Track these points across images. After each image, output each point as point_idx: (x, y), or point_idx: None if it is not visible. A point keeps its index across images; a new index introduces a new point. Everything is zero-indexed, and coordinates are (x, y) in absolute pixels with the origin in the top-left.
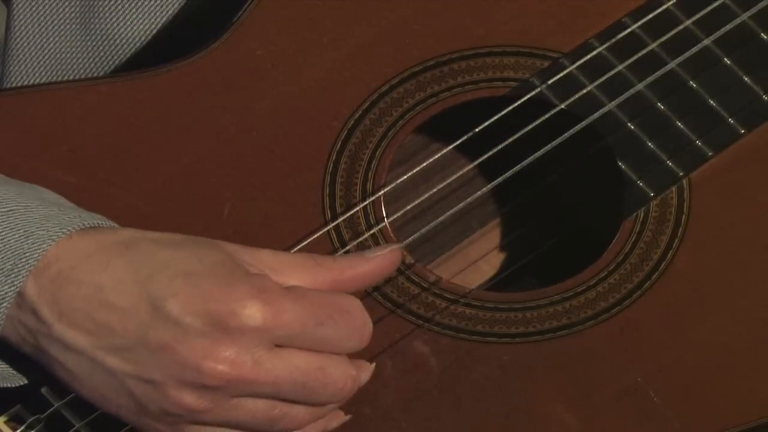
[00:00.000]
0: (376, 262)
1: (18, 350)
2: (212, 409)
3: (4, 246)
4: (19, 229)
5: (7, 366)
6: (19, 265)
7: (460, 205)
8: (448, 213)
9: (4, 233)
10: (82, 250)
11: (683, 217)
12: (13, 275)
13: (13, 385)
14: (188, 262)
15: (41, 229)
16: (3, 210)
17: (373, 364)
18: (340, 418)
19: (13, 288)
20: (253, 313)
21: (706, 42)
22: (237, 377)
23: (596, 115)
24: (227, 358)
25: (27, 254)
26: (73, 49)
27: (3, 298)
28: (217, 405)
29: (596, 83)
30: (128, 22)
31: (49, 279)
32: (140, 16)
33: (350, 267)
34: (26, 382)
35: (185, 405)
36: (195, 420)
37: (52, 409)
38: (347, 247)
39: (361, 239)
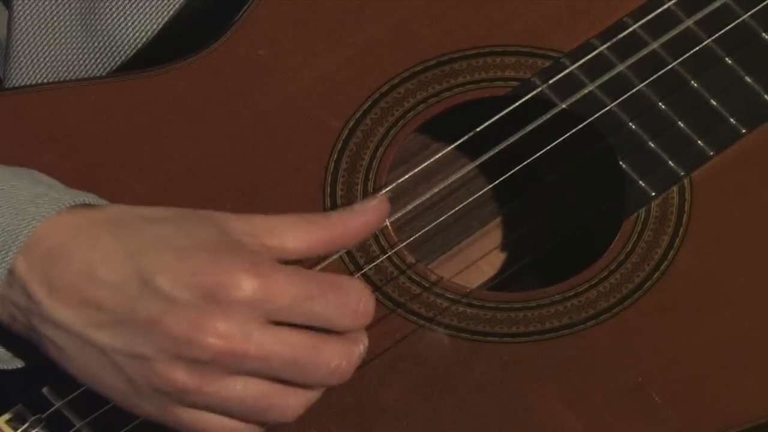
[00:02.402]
0: (367, 215)
1: (6, 329)
2: (201, 386)
3: None
4: (9, 207)
5: (4, 350)
6: (9, 242)
7: (461, 205)
8: (449, 213)
9: None
10: (72, 227)
11: (684, 216)
12: (3, 252)
13: (10, 368)
14: (178, 237)
15: (31, 206)
16: None
17: (366, 339)
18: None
19: (3, 265)
20: (241, 284)
21: (707, 42)
22: (227, 350)
23: (597, 114)
24: (217, 330)
25: (17, 231)
26: (74, 50)
27: None
28: (207, 382)
29: (597, 83)
30: (129, 23)
31: (38, 256)
32: (141, 16)
33: (342, 222)
34: (22, 365)
35: (175, 381)
36: (184, 400)
37: (53, 409)
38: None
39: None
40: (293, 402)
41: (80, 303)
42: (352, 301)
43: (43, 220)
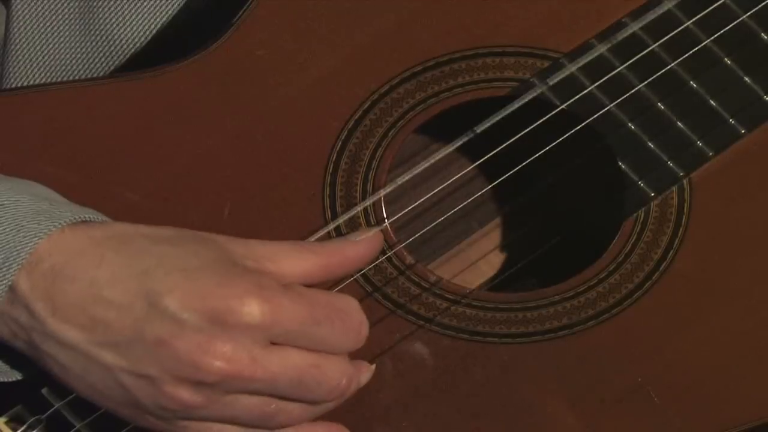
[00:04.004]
0: (362, 245)
1: (7, 345)
2: (207, 405)
3: None
4: (9, 223)
5: (2, 362)
6: (10, 259)
7: (461, 206)
8: (449, 213)
9: None
10: (75, 245)
11: (684, 217)
12: (4, 269)
13: (9, 380)
14: (185, 257)
15: (32, 222)
16: None
17: (373, 366)
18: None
19: (4, 282)
20: (251, 310)
21: (707, 42)
22: (233, 373)
23: (596, 115)
24: (224, 354)
25: (18, 248)
26: (73, 50)
27: None
28: (213, 401)
29: (596, 83)
30: (128, 23)
31: (41, 274)
32: (140, 16)
33: (339, 251)
34: (21, 377)
35: (181, 400)
36: (190, 415)
37: (52, 410)
38: None
39: None
40: (299, 410)
41: (86, 323)
42: (355, 324)
43: (45, 238)
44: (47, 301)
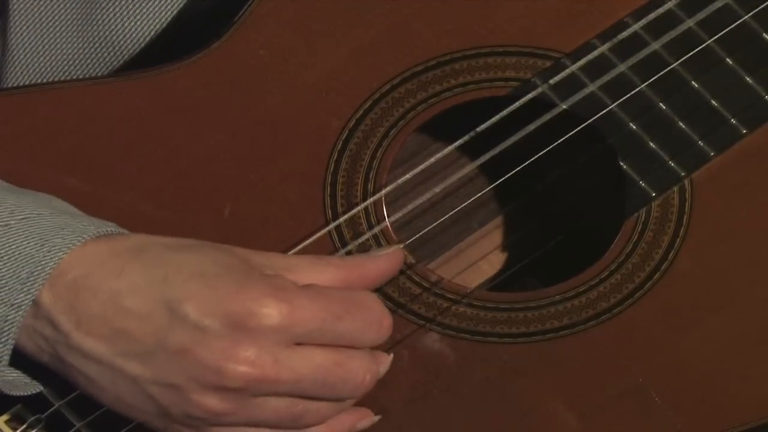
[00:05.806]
0: (383, 261)
1: (33, 359)
2: (235, 411)
3: (20, 254)
4: (34, 237)
5: (21, 374)
6: (35, 273)
7: (461, 206)
8: (449, 213)
9: (20, 240)
10: (96, 257)
11: (685, 217)
12: (29, 283)
13: (27, 394)
14: (202, 264)
15: (57, 236)
16: (19, 218)
17: (391, 355)
18: (371, 418)
19: (29, 296)
20: (270, 312)
21: (708, 42)
22: (258, 377)
23: (598, 115)
24: (248, 359)
25: (43, 262)
26: (73, 50)
27: (19, 306)
28: (240, 406)
29: (598, 83)
30: (128, 23)
31: (64, 287)
32: (141, 16)
33: (359, 266)
34: (41, 389)
35: (208, 408)
36: (219, 422)
37: (52, 409)
38: (348, 247)
39: (362, 239)
40: (325, 408)
41: (109, 334)
42: (376, 316)
43: (68, 252)
44: (71, 314)
